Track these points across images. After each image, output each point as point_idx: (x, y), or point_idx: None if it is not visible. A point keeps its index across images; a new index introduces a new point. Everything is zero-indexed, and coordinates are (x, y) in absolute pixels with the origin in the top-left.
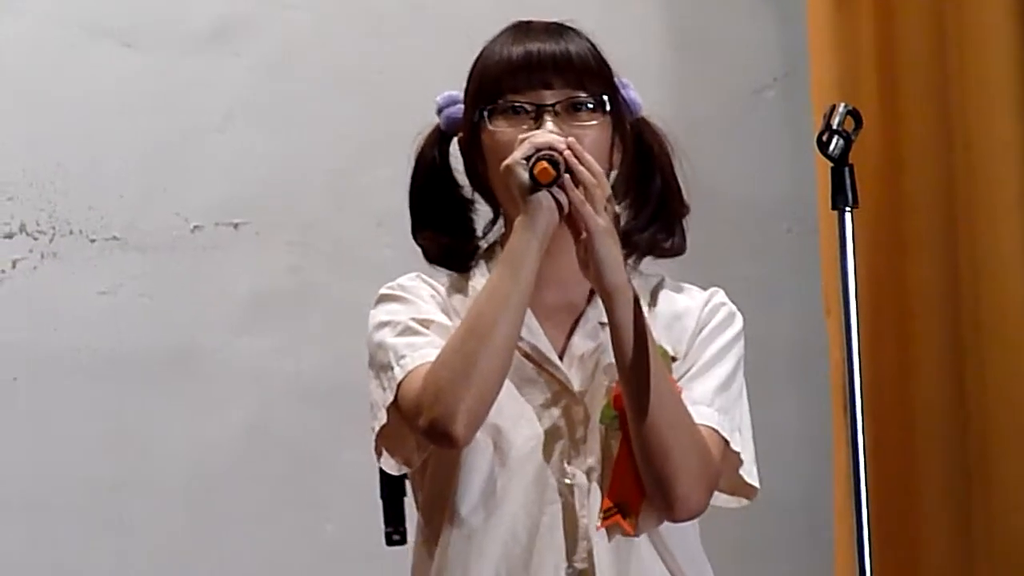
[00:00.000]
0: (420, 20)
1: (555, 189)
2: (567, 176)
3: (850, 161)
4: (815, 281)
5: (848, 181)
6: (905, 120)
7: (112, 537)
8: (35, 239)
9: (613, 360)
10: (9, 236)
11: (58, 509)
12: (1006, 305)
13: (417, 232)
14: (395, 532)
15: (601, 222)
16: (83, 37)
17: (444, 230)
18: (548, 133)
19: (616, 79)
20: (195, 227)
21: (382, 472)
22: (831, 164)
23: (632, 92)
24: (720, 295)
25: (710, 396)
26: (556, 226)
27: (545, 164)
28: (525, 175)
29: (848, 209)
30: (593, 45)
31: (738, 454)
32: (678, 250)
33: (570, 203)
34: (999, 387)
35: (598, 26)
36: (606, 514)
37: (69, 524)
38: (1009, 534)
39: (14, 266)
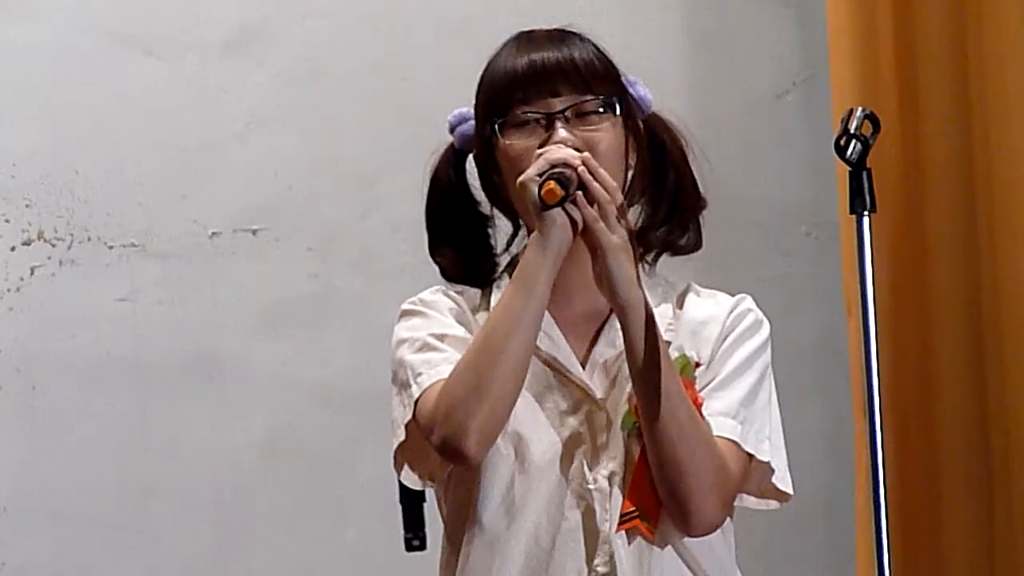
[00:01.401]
0: (442, 27)
1: (569, 205)
2: (580, 193)
3: (868, 165)
4: (836, 284)
5: (866, 185)
6: (925, 123)
7: (134, 542)
8: (53, 246)
9: None
10: (27, 243)
11: (77, 515)
12: None
13: (434, 250)
14: (415, 538)
15: (614, 239)
16: (104, 45)
17: (462, 247)
18: (563, 149)
19: (624, 78)
20: (213, 233)
21: None
22: (849, 168)
23: (641, 89)
24: (747, 302)
25: (734, 408)
26: (571, 242)
27: (552, 185)
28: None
29: (866, 213)
30: (597, 47)
31: (767, 463)
32: (693, 246)
33: (584, 220)
34: (1020, 390)
35: (620, 32)
36: (625, 518)
37: (89, 530)
38: None
39: (32, 273)
